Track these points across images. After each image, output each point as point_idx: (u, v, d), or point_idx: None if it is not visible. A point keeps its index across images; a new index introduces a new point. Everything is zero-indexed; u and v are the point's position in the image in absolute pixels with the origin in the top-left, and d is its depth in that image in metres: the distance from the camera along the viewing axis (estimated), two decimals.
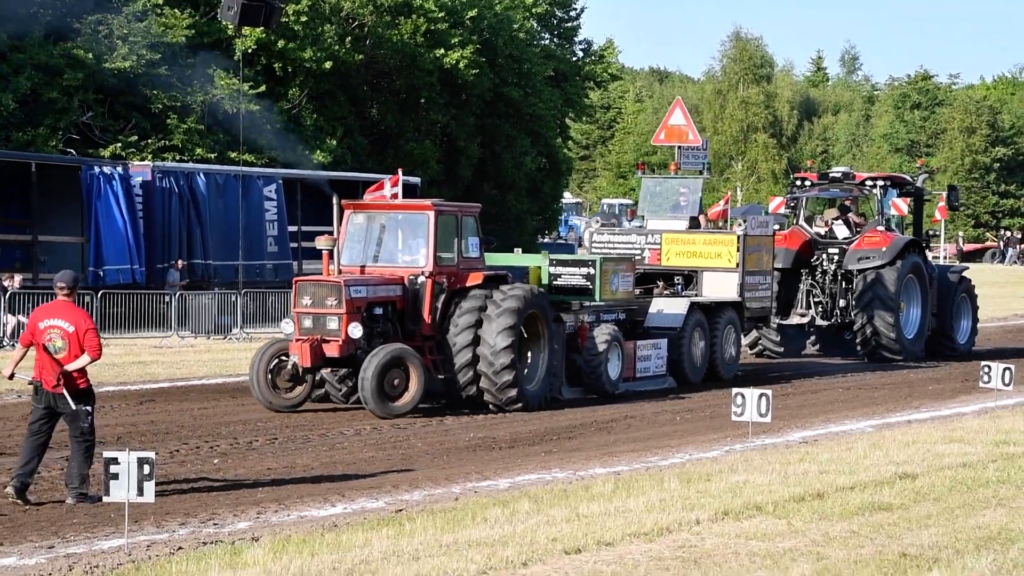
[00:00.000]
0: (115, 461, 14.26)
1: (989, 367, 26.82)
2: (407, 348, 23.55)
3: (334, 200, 25.20)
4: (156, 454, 14.52)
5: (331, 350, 23.26)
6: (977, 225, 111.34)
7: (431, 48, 60.17)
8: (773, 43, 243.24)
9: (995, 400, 26.33)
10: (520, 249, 34.02)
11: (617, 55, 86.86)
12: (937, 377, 32.05)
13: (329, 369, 24.46)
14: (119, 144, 48.31)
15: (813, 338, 35.90)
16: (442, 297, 24.45)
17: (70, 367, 15.82)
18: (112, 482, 14.23)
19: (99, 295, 38.60)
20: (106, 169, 42.29)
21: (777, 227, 34.52)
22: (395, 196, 26.43)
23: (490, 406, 24.50)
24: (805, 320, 35.00)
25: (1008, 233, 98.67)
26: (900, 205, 36.11)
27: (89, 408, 16.18)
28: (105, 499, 14.42)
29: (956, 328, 36.10)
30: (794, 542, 13.86)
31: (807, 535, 14.20)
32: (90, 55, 48.75)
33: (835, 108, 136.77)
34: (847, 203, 36.41)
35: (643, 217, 32.88)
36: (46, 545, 14.16)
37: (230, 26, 43.75)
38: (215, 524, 15.24)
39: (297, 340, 23.45)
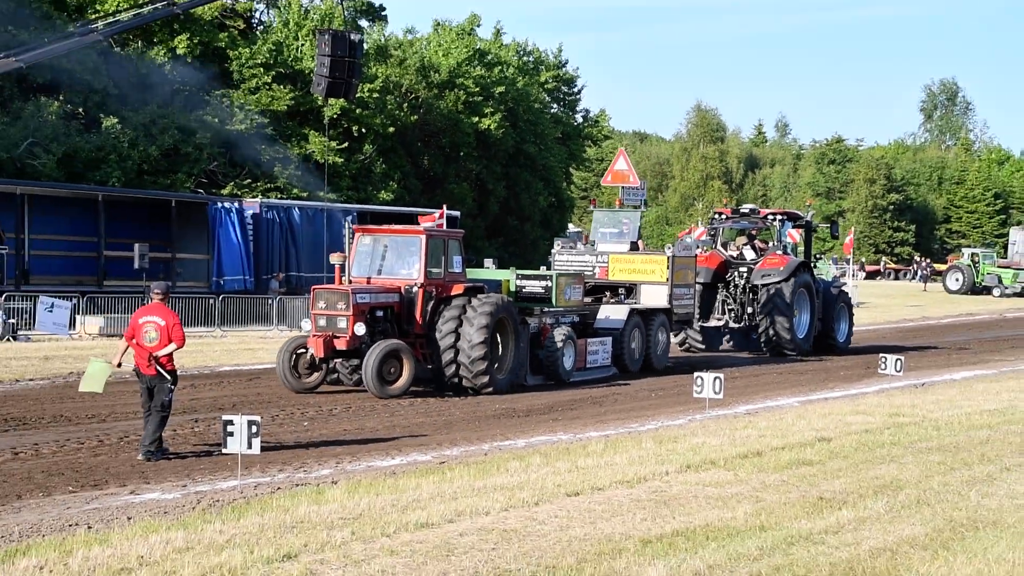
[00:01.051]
0: (231, 423, 14.29)
1: (886, 358, 26.77)
2: (401, 343, 23.00)
3: (346, 227, 24.95)
4: (261, 418, 14.50)
5: (340, 344, 22.83)
6: (876, 251, 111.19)
7: (469, 115, 60.40)
8: (725, 113, 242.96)
9: (890, 383, 26.28)
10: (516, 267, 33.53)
11: (608, 120, 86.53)
12: (847, 365, 31.91)
13: (341, 360, 24.03)
14: (235, 185, 48.44)
15: (728, 337, 35.14)
16: (431, 303, 23.97)
17: (160, 352, 15.75)
18: (228, 438, 14.26)
19: (220, 298, 38.73)
20: (226, 204, 42.46)
21: (700, 250, 33.95)
22: (440, 225, 26.21)
23: (468, 389, 23.81)
24: (721, 323, 34.57)
25: (919, 260, 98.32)
26: (794, 234, 36.02)
27: (172, 387, 15.99)
28: (223, 451, 14.41)
29: (837, 329, 35.57)
30: (739, 488, 13.84)
31: (749, 483, 14.17)
32: (216, 119, 48.94)
33: (772, 162, 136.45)
34: (753, 232, 35.98)
35: (594, 242, 31.87)
36: (180, 484, 14.24)
37: (319, 98, 43.76)
38: (304, 471, 15.26)
39: (313, 336, 22.99)
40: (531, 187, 65.53)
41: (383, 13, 62.12)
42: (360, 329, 22.69)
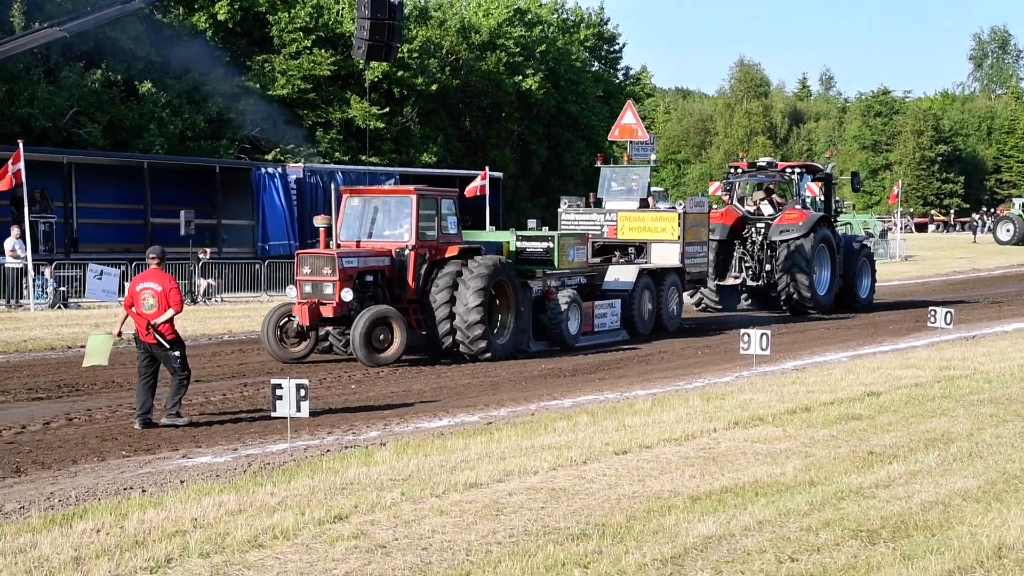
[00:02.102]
0: (279, 386, 14.32)
1: (935, 310, 26.51)
2: (391, 308, 21.75)
3: (332, 188, 23.78)
4: (309, 381, 14.57)
5: (327, 311, 21.59)
6: (924, 203, 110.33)
7: (510, 75, 60.25)
8: (769, 67, 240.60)
9: (939, 336, 26.04)
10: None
11: (650, 78, 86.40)
12: (895, 319, 31.70)
13: (331, 328, 22.86)
14: (279, 151, 48.58)
15: (745, 295, 33.99)
16: (424, 267, 22.65)
17: (157, 320, 15.38)
18: (278, 401, 14.28)
19: (265, 263, 38.94)
20: (269, 170, 42.60)
21: (713, 206, 33.00)
22: (483, 188, 26.20)
23: (465, 356, 22.66)
24: (738, 281, 33.41)
25: (985, 210, 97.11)
26: (813, 188, 34.78)
27: (178, 353, 15.62)
28: (272, 414, 14.46)
29: (859, 286, 34.63)
30: (788, 444, 13.81)
31: (798, 439, 14.13)
32: (258, 85, 49.09)
33: (816, 116, 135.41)
34: (771, 187, 34.66)
35: (602, 200, 30.74)
36: (230, 448, 14.35)
37: (360, 62, 43.73)
38: (353, 433, 15.34)
39: (298, 303, 21.75)
40: (573, 147, 65.36)
41: None
42: (347, 295, 21.52)
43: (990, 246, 75.44)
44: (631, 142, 36.69)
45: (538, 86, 61.04)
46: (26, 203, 32.01)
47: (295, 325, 22.06)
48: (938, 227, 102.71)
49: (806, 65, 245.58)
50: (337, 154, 50.18)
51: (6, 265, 32.67)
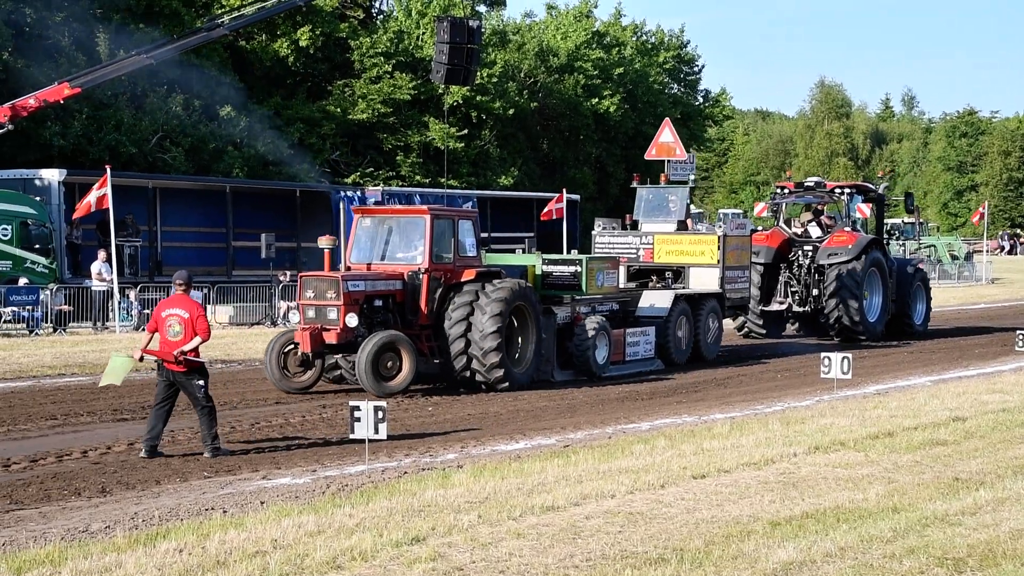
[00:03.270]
0: (357, 408, 14.42)
1: (1022, 334, 26.11)
2: (399, 334, 20.31)
3: (338, 208, 22.74)
4: (387, 403, 14.65)
5: (330, 337, 20.18)
6: (1012, 225, 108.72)
7: (588, 97, 60.33)
8: (850, 88, 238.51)
9: None
10: None
11: (729, 100, 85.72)
12: (982, 343, 31.25)
13: (342, 355, 21.47)
14: (358, 174, 49.00)
15: (793, 321, 32.85)
16: (439, 291, 21.32)
17: (185, 347, 14.83)
18: (355, 423, 14.35)
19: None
20: (348, 192, 42.94)
21: (757, 228, 31.82)
22: (559, 211, 25.90)
23: (481, 386, 21.36)
24: (783, 307, 31.97)
25: None
26: (864, 209, 32.98)
27: (202, 382, 15.12)
28: (350, 436, 14.54)
29: (913, 312, 33.13)
30: (870, 470, 13.65)
31: (880, 464, 13.97)
32: (338, 110, 49.55)
33: (899, 137, 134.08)
34: (819, 207, 33.26)
35: (638, 221, 29.36)
36: (310, 470, 14.45)
37: (439, 86, 44.04)
38: (430, 455, 15.38)
39: (301, 329, 20.44)
40: (651, 168, 65.21)
41: None
42: (352, 320, 20.13)
43: None
44: (668, 161, 35.19)
45: (616, 108, 61.05)
46: (112, 227, 32.54)
47: (300, 353, 20.84)
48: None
49: (888, 85, 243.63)
50: (417, 177, 50.47)
51: (93, 288, 33.23)
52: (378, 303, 20.98)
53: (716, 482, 12.94)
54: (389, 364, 20.11)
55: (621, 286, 26.09)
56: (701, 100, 76.35)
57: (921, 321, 33.71)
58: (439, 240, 21.50)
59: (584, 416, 19.00)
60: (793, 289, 31.94)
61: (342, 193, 42.85)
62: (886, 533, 10.71)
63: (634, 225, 29.43)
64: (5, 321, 31.44)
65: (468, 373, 21.28)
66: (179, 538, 10.52)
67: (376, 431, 14.31)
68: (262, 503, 12.40)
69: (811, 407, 19.15)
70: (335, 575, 9.51)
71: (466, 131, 52.84)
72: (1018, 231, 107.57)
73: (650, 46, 70.44)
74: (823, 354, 20.82)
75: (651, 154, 36.78)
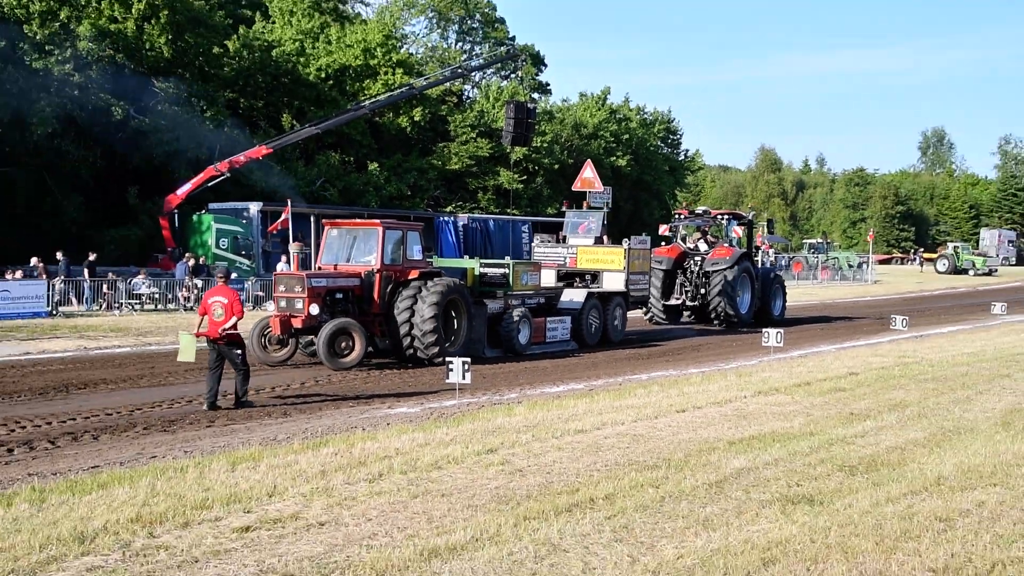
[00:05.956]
0: (451, 362, 14.42)
1: (895, 317, 25.67)
2: (351, 320, 18.08)
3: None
4: (470, 359, 14.61)
5: (296, 323, 18.06)
6: (888, 245, 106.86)
7: (607, 156, 59.88)
8: (781, 150, 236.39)
9: (898, 335, 25.24)
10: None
11: (701, 157, 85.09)
12: (868, 323, 30.72)
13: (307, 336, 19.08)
14: (452, 206, 48.95)
15: (687, 312, 30.35)
16: (389, 286, 19.09)
17: (225, 326, 13.60)
18: (450, 371, 14.38)
19: None
20: (445, 218, 42.86)
21: (660, 243, 29.72)
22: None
23: (422, 360, 19.00)
24: (680, 302, 29.81)
25: (916, 249, 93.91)
26: (738, 231, 30.88)
27: (240, 351, 13.83)
28: (446, 381, 14.54)
29: (773, 305, 30.62)
30: (795, 407, 13.44)
31: (801, 403, 13.75)
32: (439, 162, 49.53)
33: (814, 185, 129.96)
34: (705, 229, 31.16)
35: (566, 237, 27.19)
36: (419, 403, 14.41)
37: (507, 147, 43.97)
38: (498, 395, 15.31)
39: (274, 316, 18.34)
40: (649, 205, 64.77)
41: (548, 88, 62.51)
42: (315, 309, 18.07)
43: (932, 275, 72.69)
44: (589, 192, 32.55)
45: (625, 163, 60.64)
46: (291, 240, 32.69)
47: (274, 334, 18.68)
48: (899, 261, 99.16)
49: (807, 150, 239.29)
50: (492, 208, 50.37)
51: None
52: (339, 296, 18.84)
53: (692, 415, 12.80)
54: (343, 344, 17.90)
55: (549, 284, 23.70)
56: (682, 157, 75.70)
57: (779, 312, 31.20)
58: (390, 247, 19.27)
59: (603, 370, 18.87)
60: (687, 288, 30.02)
61: (441, 218, 42.85)
62: (805, 449, 10.57)
63: (563, 240, 27.51)
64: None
65: (412, 351, 19.00)
66: (334, 445, 10.56)
67: (463, 377, 14.30)
68: (388, 424, 12.41)
69: (756, 365, 18.89)
70: (437, 473, 9.50)
71: (525, 177, 52.62)
72: (923, 251, 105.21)
73: (648, 121, 69.78)
74: (763, 329, 20.54)
75: (576, 186, 34.02)
